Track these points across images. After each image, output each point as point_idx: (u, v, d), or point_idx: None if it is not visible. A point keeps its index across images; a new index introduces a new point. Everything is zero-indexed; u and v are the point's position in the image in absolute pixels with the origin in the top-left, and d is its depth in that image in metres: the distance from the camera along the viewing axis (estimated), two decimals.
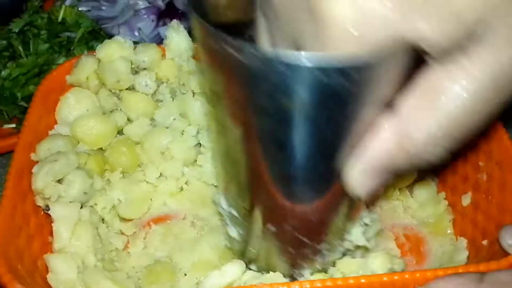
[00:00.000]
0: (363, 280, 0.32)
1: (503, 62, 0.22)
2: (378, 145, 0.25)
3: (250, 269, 0.38)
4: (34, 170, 0.39)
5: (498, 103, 0.24)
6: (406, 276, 0.32)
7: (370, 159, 0.25)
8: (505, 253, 0.34)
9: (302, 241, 0.34)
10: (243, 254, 0.38)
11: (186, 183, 0.45)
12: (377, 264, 0.35)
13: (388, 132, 0.24)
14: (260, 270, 0.38)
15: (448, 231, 0.43)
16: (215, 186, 0.44)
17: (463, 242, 0.41)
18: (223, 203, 0.36)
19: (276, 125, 0.25)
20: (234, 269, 0.35)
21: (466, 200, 0.42)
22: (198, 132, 0.45)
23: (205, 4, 0.29)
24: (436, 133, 0.24)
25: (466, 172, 0.43)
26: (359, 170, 0.26)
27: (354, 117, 0.24)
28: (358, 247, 0.37)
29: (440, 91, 0.23)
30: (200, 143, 0.45)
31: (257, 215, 0.33)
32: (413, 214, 0.44)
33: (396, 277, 0.32)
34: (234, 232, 0.37)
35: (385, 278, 0.32)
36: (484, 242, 0.39)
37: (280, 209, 0.31)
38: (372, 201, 0.33)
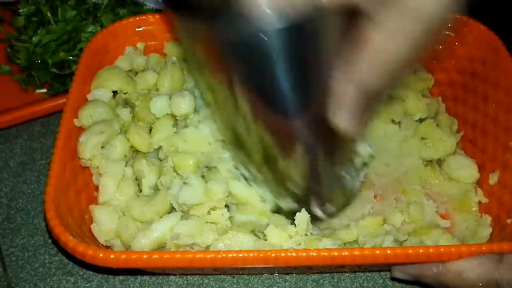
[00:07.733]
0: (389, 252, 0.34)
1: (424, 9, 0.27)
2: (346, 95, 0.31)
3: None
4: (81, 139, 0.41)
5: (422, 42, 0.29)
6: (431, 250, 0.34)
7: (348, 106, 0.31)
8: None
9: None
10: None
11: None
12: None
13: (350, 87, 0.31)
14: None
15: (474, 208, 0.44)
16: None
17: (488, 219, 0.42)
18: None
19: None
20: (160, 226, 0.38)
21: (493, 178, 0.43)
22: None
23: None
24: (382, 73, 0.29)
25: (496, 152, 0.43)
26: (345, 118, 0.32)
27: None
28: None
29: (373, 40, 0.28)
30: None
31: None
32: (440, 189, 0.45)
33: (421, 251, 0.34)
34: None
35: (410, 251, 0.34)
36: (509, 221, 0.40)
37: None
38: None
